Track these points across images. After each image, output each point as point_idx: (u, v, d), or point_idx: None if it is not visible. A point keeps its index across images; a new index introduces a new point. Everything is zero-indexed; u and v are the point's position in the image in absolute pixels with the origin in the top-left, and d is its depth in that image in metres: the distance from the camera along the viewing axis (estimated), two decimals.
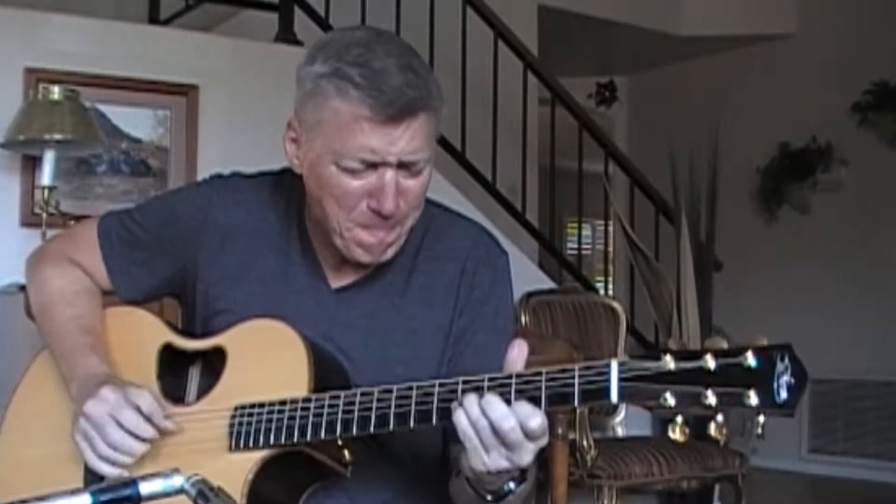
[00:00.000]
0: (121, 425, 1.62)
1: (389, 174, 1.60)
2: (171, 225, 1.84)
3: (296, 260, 1.77)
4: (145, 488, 1.24)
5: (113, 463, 1.63)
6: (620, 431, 4.55)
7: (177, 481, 1.26)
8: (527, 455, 1.44)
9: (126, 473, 1.62)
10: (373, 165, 1.60)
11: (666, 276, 5.24)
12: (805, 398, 1.31)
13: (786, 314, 7.07)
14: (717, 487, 4.74)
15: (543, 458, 3.78)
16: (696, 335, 5.01)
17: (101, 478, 1.65)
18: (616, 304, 4.64)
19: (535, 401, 1.41)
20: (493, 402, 1.42)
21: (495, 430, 1.42)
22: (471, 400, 1.44)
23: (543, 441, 1.44)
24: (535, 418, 1.41)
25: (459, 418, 1.44)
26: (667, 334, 5.17)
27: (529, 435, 1.42)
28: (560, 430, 3.72)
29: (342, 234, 1.66)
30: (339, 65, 1.59)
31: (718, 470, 4.20)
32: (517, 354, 1.47)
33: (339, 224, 1.65)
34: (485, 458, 1.44)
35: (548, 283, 5.29)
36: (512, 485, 1.54)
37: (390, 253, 1.70)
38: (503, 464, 1.44)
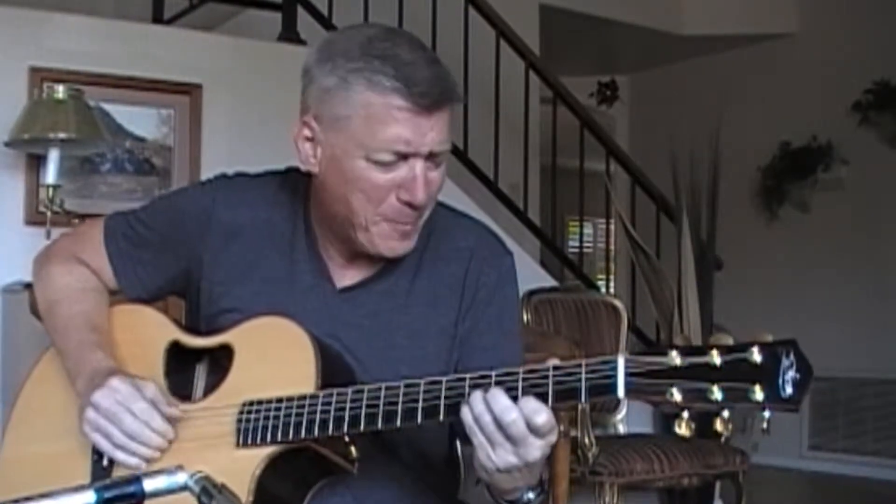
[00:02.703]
0: (136, 415, 1.63)
1: (420, 165, 1.62)
2: (176, 224, 1.84)
3: (301, 259, 1.78)
4: (149, 485, 1.25)
5: (132, 453, 1.64)
6: (622, 429, 4.55)
7: (181, 478, 1.26)
8: (534, 451, 1.43)
9: (144, 465, 1.64)
10: (404, 157, 1.62)
11: (667, 274, 5.25)
12: (806, 395, 1.32)
13: (786, 312, 7.08)
14: (717, 484, 4.74)
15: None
16: (697, 333, 5.02)
17: (108, 474, 1.66)
18: (617, 302, 4.64)
19: (541, 396, 1.42)
20: (497, 396, 1.42)
21: (499, 424, 1.42)
22: (476, 396, 1.44)
23: (552, 438, 1.44)
24: (541, 414, 1.41)
25: (465, 414, 1.44)
26: (668, 332, 5.19)
27: (536, 431, 1.42)
28: (562, 428, 3.73)
29: (368, 228, 1.67)
30: (368, 59, 1.60)
31: (719, 467, 4.20)
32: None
33: (365, 219, 1.66)
34: (491, 454, 1.44)
35: (549, 282, 5.30)
36: (531, 494, 1.54)
37: (411, 245, 1.72)
38: (511, 460, 1.44)
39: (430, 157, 1.63)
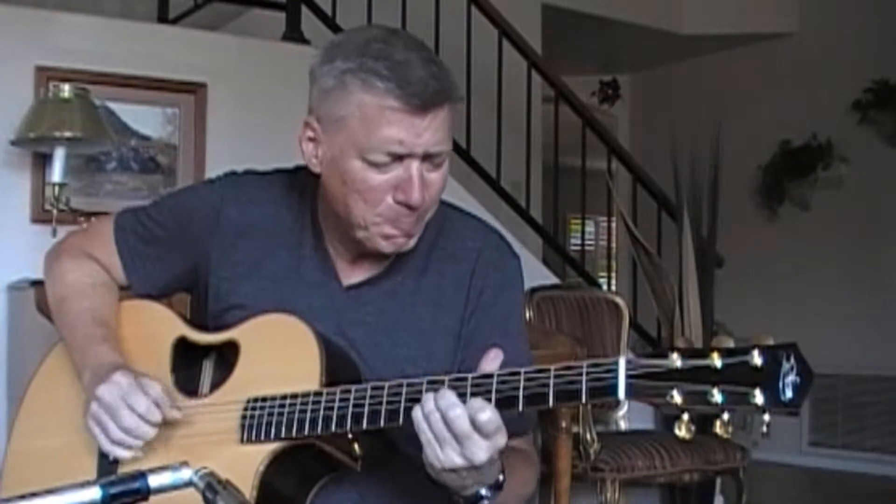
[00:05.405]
0: (133, 409, 1.63)
1: (416, 166, 1.61)
2: (185, 221, 1.85)
3: (308, 256, 1.79)
4: (154, 481, 1.26)
5: (126, 447, 1.64)
6: (623, 425, 4.56)
7: (185, 474, 1.27)
8: (479, 452, 1.44)
9: (139, 455, 1.64)
10: (399, 158, 1.61)
11: (668, 271, 5.26)
12: (806, 399, 1.34)
13: (787, 309, 7.11)
14: (718, 480, 4.76)
15: (547, 451, 3.82)
16: (697, 330, 5.03)
17: (114, 469, 1.67)
18: (619, 300, 4.66)
19: (544, 397, 1.43)
20: (445, 394, 1.44)
21: (445, 421, 1.43)
22: (427, 396, 1.46)
23: (499, 440, 1.45)
24: (485, 412, 1.42)
25: (415, 412, 1.46)
26: (669, 329, 5.19)
27: (479, 429, 1.43)
28: (563, 424, 3.76)
29: (367, 228, 1.67)
30: (362, 59, 1.59)
31: (720, 463, 4.22)
32: (489, 365, 1.49)
33: (364, 220, 1.66)
34: (438, 453, 1.46)
35: (551, 279, 5.30)
36: (484, 491, 1.53)
37: (412, 243, 1.71)
38: (457, 460, 1.45)
39: (428, 157, 1.63)
